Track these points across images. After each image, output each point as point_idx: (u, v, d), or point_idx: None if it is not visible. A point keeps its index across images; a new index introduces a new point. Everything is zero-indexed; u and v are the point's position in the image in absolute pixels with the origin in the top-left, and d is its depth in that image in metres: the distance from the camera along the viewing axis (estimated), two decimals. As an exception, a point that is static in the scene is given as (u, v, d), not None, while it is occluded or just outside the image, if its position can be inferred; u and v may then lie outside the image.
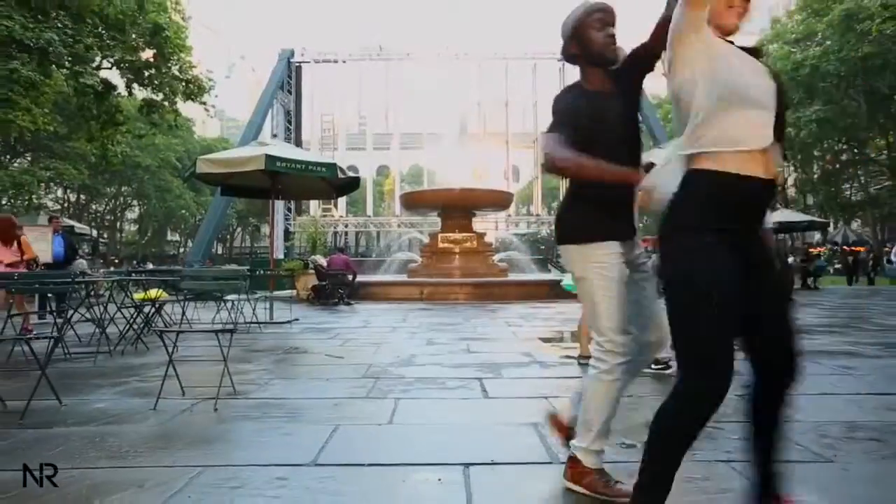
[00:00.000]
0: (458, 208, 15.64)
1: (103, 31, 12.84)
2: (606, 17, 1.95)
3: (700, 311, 1.48)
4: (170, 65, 14.11)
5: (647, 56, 1.92)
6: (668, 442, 1.55)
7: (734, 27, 1.57)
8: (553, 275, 17.48)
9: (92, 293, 6.32)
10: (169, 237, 49.08)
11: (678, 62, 1.55)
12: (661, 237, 1.57)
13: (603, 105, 1.91)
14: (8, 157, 26.78)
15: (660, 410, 1.56)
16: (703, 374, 1.48)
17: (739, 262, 1.51)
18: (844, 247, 26.16)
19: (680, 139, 1.60)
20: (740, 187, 1.49)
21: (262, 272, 10.74)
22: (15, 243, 6.49)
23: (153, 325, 5.79)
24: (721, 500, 1.92)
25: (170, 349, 3.49)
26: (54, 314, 7.53)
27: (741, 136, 1.49)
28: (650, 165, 1.94)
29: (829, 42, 25.62)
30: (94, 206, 39.21)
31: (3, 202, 28.40)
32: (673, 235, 1.55)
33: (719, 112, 1.50)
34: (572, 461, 1.96)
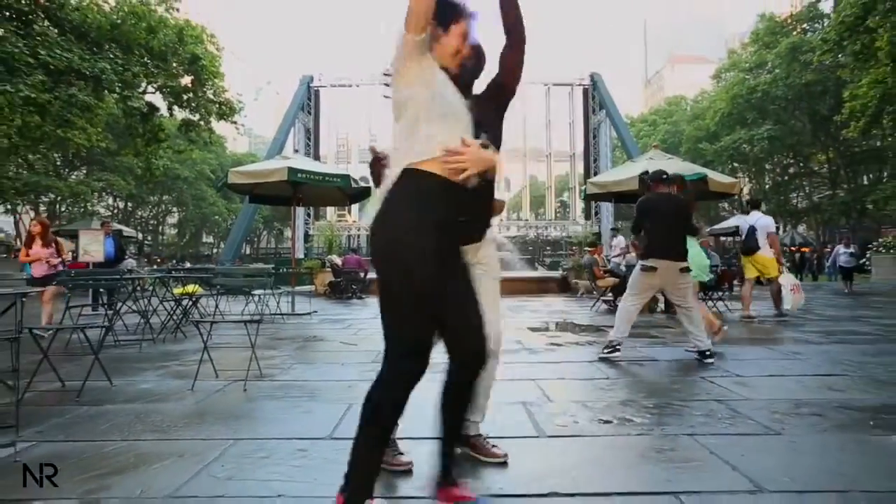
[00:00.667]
0: (457, 214, 15.49)
1: (148, 61, 12.84)
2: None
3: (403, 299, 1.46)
4: (205, 89, 14.11)
5: (496, 87, 1.92)
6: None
7: (454, 71, 1.59)
8: (539, 272, 17.46)
9: (138, 288, 6.30)
10: (204, 239, 49.00)
11: (406, 78, 1.53)
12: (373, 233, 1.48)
13: None
14: (66, 170, 26.77)
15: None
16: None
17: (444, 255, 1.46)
18: (792, 248, 26.13)
19: None
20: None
21: (285, 270, 10.72)
22: (53, 244, 6.36)
23: (190, 316, 5.79)
24: (686, 468, 1.92)
25: (205, 337, 3.48)
26: (105, 306, 7.56)
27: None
28: None
29: (777, 70, 25.66)
30: (139, 213, 39.15)
31: (63, 209, 28.40)
32: (390, 232, 1.46)
33: (438, 124, 1.49)
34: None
